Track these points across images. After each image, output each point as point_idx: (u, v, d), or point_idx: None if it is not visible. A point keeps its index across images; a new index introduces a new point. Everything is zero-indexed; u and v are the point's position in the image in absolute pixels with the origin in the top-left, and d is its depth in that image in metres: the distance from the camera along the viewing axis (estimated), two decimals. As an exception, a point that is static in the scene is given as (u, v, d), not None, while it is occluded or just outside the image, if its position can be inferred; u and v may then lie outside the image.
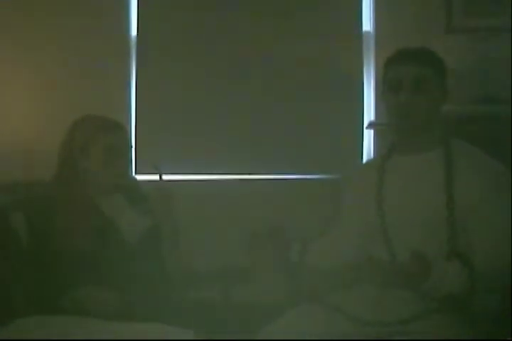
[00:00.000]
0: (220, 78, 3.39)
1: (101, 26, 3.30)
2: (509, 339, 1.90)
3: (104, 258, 2.24)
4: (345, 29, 3.37)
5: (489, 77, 3.17)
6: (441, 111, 2.14)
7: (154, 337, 1.97)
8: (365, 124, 3.33)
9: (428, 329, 1.96)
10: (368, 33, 3.38)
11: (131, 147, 2.43)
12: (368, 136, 3.37)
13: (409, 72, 2.06)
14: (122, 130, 2.37)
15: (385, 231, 2.10)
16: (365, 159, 3.34)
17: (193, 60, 3.40)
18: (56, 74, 3.33)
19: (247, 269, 2.54)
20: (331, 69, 3.35)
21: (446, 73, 2.13)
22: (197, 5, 3.40)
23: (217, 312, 2.43)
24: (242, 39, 3.38)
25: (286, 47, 3.34)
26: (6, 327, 2.02)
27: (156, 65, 3.41)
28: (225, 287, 2.54)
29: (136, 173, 3.29)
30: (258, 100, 3.39)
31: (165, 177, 2.34)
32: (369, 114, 3.36)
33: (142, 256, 2.29)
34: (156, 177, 2.34)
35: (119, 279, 2.22)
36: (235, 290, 2.53)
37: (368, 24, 3.38)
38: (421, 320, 1.98)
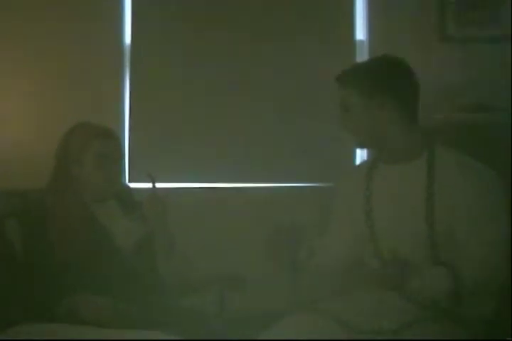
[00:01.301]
0: (215, 87, 3.41)
1: (95, 35, 3.31)
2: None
3: (99, 265, 2.25)
4: (338, 38, 3.40)
5: (483, 85, 3.20)
6: (420, 120, 2.14)
7: None
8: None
9: (422, 337, 1.96)
10: (361, 41, 3.41)
11: (124, 154, 2.45)
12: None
13: (340, 96, 2.12)
14: (115, 137, 2.39)
15: (375, 240, 2.12)
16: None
17: (188, 68, 3.42)
18: (50, 83, 3.34)
19: (243, 277, 2.55)
20: (324, 78, 3.37)
21: (376, 86, 2.09)
22: (191, 14, 3.42)
23: (212, 320, 2.43)
24: (237, 48, 3.40)
25: (280, 56, 3.37)
26: (2, 333, 2.02)
27: (150, 74, 3.41)
28: (221, 295, 2.55)
29: (129, 181, 3.31)
30: (253, 109, 3.41)
31: (158, 185, 2.37)
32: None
33: (137, 263, 2.31)
34: (150, 185, 2.36)
35: (113, 287, 2.23)
36: (230, 299, 2.54)
37: (361, 33, 3.41)
38: (415, 328, 1.98)
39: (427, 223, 2.03)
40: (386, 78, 2.09)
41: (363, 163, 2.48)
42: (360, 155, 3.41)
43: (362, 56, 3.38)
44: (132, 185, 3.10)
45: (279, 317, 2.10)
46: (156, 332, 2.02)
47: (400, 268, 2.00)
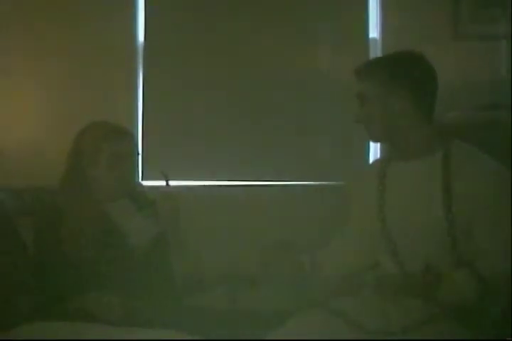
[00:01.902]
0: (227, 86, 3.44)
1: (109, 34, 3.34)
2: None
3: (112, 263, 2.27)
4: (351, 36, 3.40)
5: (494, 83, 3.19)
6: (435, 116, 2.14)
7: None
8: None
9: (430, 336, 1.96)
10: (374, 39, 3.41)
11: (138, 153, 2.46)
12: (374, 146, 3.40)
13: (358, 88, 2.12)
14: (129, 136, 2.40)
15: (389, 238, 2.11)
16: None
17: (200, 68, 3.44)
18: (65, 82, 3.38)
19: (252, 276, 2.56)
20: (338, 76, 3.37)
21: (397, 79, 2.09)
22: (204, 14, 3.44)
23: (222, 318, 2.44)
24: (250, 47, 3.42)
25: (293, 56, 3.38)
26: (9, 332, 2.03)
27: (163, 73, 3.45)
28: (231, 293, 2.56)
29: (142, 179, 3.32)
30: (265, 108, 3.43)
31: (171, 183, 2.38)
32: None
33: (150, 260, 2.32)
34: (163, 183, 2.37)
35: (126, 284, 2.24)
36: (240, 297, 2.54)
37: (374, 31, 3.41)
38: (423, 328, 1.98)
39: (446, 219, 2.01)
40: (408, 72, 2.09)
41: (375, 161, 2.48)
42: (373, 154, 3.40)
43: (376, 54, 3.37)
44: (146, 183, 3.11)
45: (288, 315, 2.10)
46: (168, 331, 2.02)
47: (429, 277, 1.97)
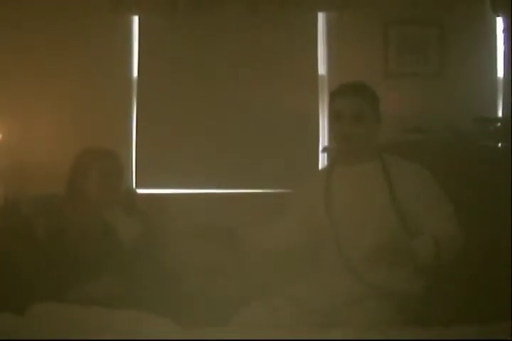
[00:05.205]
0: (207, 112, 3.46)
1: (107, 70, 3.37)
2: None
3: (106, 254, 2.37)
4: (305, 73, 3.48)
5: (414, 113, 3.29)
6: (378, 136, 2.19)
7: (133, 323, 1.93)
8: (320, 149, 3.42)
9: (360, 314, 1.98)
10: (322, 76, 3.51)
11: (122, 169, 2.57)
12: (322, 158, 3.47)
13: (350, 104, 2.10)
14: (114, 157, 2.54)
15: (334, 228, 2.10)
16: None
17: (185, 94, 3.45)
18: (74, 108, 3.38)
19: (223, 268, 2.56)
20: (295, 105, 3.43)
21: (379, 104, 2.17)
22: (190, 53, 3.47)
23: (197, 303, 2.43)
24: (222, 83, 3.46)
25: (262, 89, 3.42)
26: (25, 314, 2.01)
27: (153, 101, 3.48)
28: (204, 282, 2.57)
29: (136, 188, 3.35)
30: (240, 127, 3.47)
31: (160, 191, 2.44)
32: (323, 140, 3.48)
33: (136, 254, 2.41)
34: (153, 190, 2.44)
35: (116, 272, 2.33)
36: (212, 285, 2.55)
37: (322, 69, 3.50)
38: (359, 306, 1.99)
39: (393, 206, 2.04)
40: (376, 97, 2.17)
41: (323, 168, 2.49)
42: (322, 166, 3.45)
43: (323, 87, 3.46)
44: (140, 190, 3.14)
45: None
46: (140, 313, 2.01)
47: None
